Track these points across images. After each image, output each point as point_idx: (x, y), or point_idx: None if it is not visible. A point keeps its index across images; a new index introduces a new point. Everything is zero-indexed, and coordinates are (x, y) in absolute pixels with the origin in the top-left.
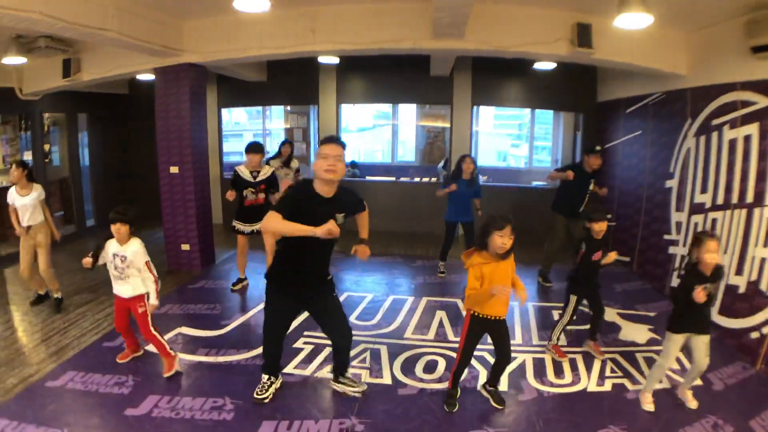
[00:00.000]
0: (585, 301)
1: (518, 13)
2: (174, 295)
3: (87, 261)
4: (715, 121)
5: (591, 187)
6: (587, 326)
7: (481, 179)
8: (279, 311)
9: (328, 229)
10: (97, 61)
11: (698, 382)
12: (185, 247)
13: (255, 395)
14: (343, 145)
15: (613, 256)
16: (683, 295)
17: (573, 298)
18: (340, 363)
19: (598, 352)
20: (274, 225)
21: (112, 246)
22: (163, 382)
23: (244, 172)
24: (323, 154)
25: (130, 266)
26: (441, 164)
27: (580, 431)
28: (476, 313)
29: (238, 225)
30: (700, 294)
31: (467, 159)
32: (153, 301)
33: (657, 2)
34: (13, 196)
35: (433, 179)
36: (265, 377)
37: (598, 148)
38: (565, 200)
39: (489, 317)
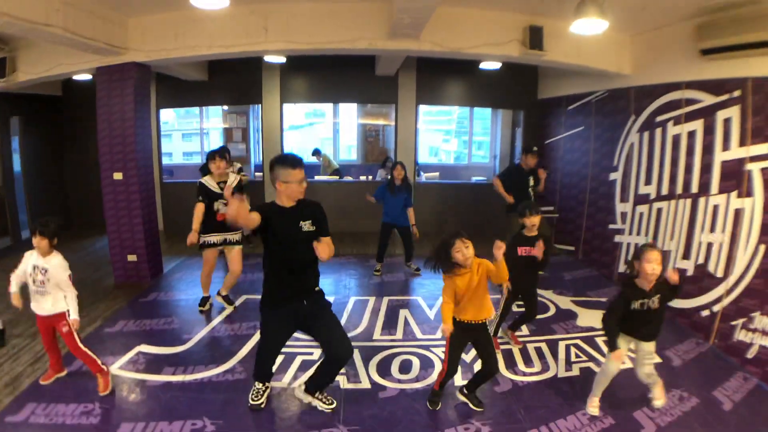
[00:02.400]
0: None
1: (472, 15)
2: (127, 310)
3: (15, 298)
4: (659, 118)
5: (531, 182)
6: (538, 315)
7: (424, 176)
8: (276, 332)
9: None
10: (34, 59)
11: (657, 359)
12: (132, 257)
13: (251, 401)
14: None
15: (540, 247)
16: (615, 311)
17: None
18: (329, 379)
19: (515, 341)
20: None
21: (32, 258)
22: (133, 408)
23: (211, 183)
24: (292, 179)
25: (50, 280)
26: (381, 163)
27: (559, 416)
28: (456, 319)
29: (209, 238)
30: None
31: (398, 166)
32: (74, 316)
33: (610, 7)
34: None
35: (369, 177)
36: (259, 384)
37: (535, 148)
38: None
39: (469, 322)
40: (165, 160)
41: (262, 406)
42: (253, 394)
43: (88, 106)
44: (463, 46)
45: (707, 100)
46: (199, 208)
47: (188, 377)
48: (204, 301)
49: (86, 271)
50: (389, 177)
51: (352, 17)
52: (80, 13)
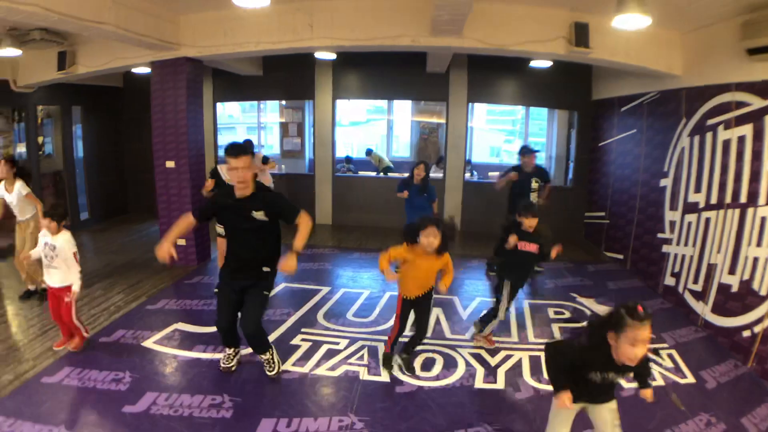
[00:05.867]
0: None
1: (516, 11)
2: (170, 290)
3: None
4: (710, 121)
5: (533, 185)
6: (576, 324)
7: (476, 175)
8: (222, 297)
9: (289, 264)
10: (92, 53)
11: (691, 379)
12: (181, 242)
13: (222, 364)
14: (247, 152)
15: (514, 241)
16: (561, 363)
17: (506, 285)
18: (252, 345)
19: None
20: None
21: (44, 237)
22: (160, 379)
23: (226, 175)
24: (229, 167)
25: (58, 255)
26: (435, 161)
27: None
28: (405, 297)
29: (219, 229)
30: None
31: (420, 165)
32: (75, 288)
33: (654, 3)
34: (2, 192)
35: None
36: (229, 350)
37: (532, 148)
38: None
39: (414, 298)
40: None
41: (233, 369)
42: (224, 357)
43: (147, 97)
44: (507, 43)
45: (756, 103)
46: (209, 182)
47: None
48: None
49: (137, 252)
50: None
51: (395, 14)
52: (131, 11)
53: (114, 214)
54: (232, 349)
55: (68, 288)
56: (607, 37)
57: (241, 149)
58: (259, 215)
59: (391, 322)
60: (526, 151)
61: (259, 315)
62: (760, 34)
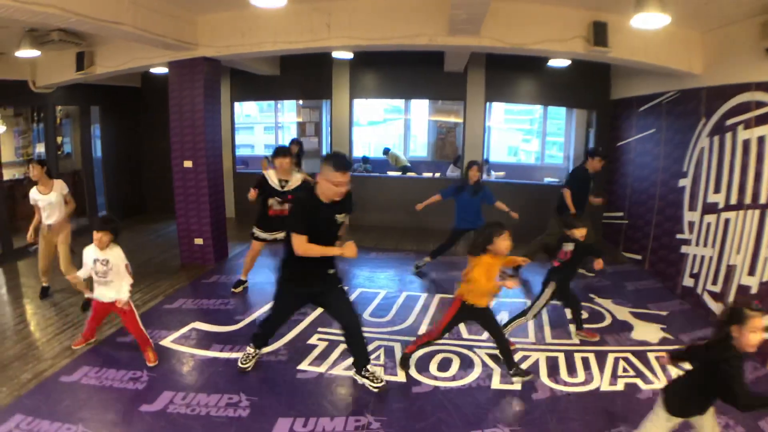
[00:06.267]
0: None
1: (534, 10)
2: (187, 289)
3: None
4: (730, 121)
5: (591, 186)
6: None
7: (494, 175)
8: (288, 304)
9: (351, 250)
10: (110, 54)
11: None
12: (198, 241)
13: (239, 364)
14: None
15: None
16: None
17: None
18: (356, 355)
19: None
20: (305, 250)
21: (90, 253)
22: (177, 378)
23: (272, 179)
24: (336, 182)
25: (112, 270)
26: (453, 161)
27: (592, 429)
28: (466, 302)
29: (258, 232)
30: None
31: (474, 167)
32: (122, 296)
33: (673, 1)
34: (36, 196)
35: (437, 174)
36: (251, 349)
37: (600, 149)
38: (579, 202)
39: (477, 306)
40: (246, 152)
41: (248, 370)
42: (243, 356)
43: (164, 97)
44: (525, 42)
45: None
46: (253, 192)
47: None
48: (239, 283)
49: (155, 251)
50: (463, 179)
51: (412, 13)
52: (149, 12)
53: (132, 213)
54: (256, 350)
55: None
56: (626, 36)
57: (348, 163)
58: (341, 218)
59: (408, 323)
60: (597, 154)
61: (354, 306)
62: None
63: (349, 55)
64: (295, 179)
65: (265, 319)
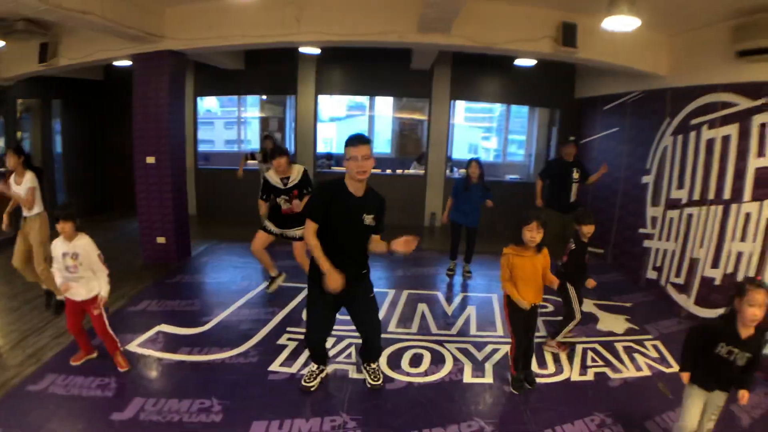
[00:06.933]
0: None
1: (504, 10)
2: (151, 290)
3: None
4: (694, 121)
5: (575, 175)
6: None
7: (457, 172)
8: (320, 309)
9: (334, 284)
10: (74, 45)
11: (676, 368)
12: (161, 240)
13: (303, 382)
14: (368, 142)
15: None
16: (697, 338)
17: (571, 289)
18: (366, 353)
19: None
20: (309, 239)
21: (58, 246)
22: (147, 384)
23: (273, 179)
24: (351, 155)
25: (82, 264)
26: (417, 158)
27: (566, 419)
28: (519, 308)
29: (269, 225)
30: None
31: (472, 163)
32: (103, 293)
33: (644, 5)
34: (12, 185)
35: (407, 171)
36: (314, 366)
37: (572, 138)
38: (553, 195)
39: (526, 307)
40: (207, 147)
41: (313, 389)
42: (306, 374)
43: (128, 91)
44: (495, 42)
45: (743, 103)
46: (262, 205)
47: (203, 358)
48: (272, 280)
49: (117, 251)
50: (465, 175)
51: (383, 10)
52: (117, 2)
53: (94, 211)
54: (319, 366)
55: (95, 299)
56: (595, 37)
57: (360, 137)
58: (368, 219)
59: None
60: (567, 141)
61: (379, 319)
62: (752, 36)
63: (317, 51)
64: (296, 172)
65: (306, 330)
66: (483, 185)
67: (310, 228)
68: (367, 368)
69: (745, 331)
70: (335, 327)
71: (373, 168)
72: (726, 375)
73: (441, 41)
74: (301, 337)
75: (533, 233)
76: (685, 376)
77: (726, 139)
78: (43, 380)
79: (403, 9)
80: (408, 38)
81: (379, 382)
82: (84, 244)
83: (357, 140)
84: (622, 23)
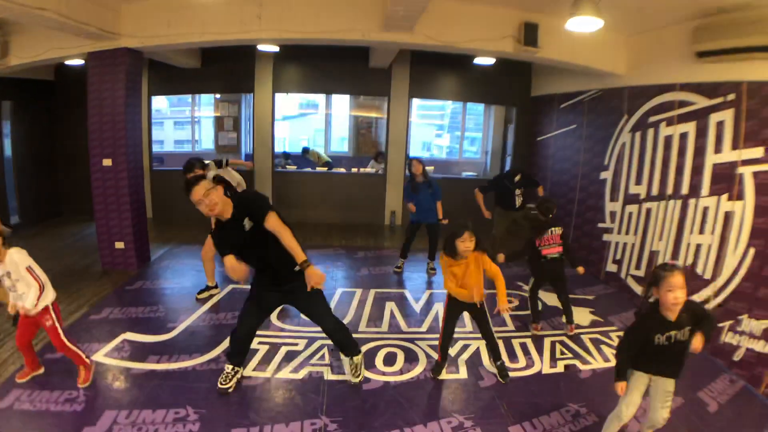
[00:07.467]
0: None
1: (468, 10)
2: (113, 297)
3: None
4: (652, 119)
5: (516, 178)
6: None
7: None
8: (251, 305)
9: (233, 274)
10: (27, 44)
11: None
12: (119, 245)
13: (219, 385)
14: (198, 181)
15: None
16: (629, 344)
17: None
18: (336, 343)
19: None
20: (228, 268)
21: None
22: (116, 395)
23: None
24: (193, 201)
25: (19, 280)
26: (374, 156)
27: (542, 412)
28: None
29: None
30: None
31: (414, 162)
32: (28, 305)
33: (606, 6)
34: None
35: (364, 169)
36: (229, 367)
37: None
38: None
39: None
40: (156, 148)
41: (230, 390)
42: (222, 376)
43: (81, 91)
44: (458, 41)
45: (701, 102)
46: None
47: (172, 366)
48: (206, 289)
49: (74, 257)
50: (409, 176)
51: (346, 8)
52: None
53: (48, 217)
54: (232, 367)
55: (45, 311)
56: (555, 37)
57: (192, 181)
58: (249, 224)
59: (347, 319)
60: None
61: (328, 308)
62: (711, 37)
63: (275, 48)
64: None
65: (236, 330)
66: (428, 182)
67: (227, 260)
68: (350, 363)
69: (673, 314)
70: (308, 330)
71: (334, 168)
72: (678, 358)
73: (404, 40)
74: (274, 340)
75: (466, 243)
76: (621, 386)
77: (684, 136)
78: (8, 397)
79: (365, 7)
80: (371, 36)
81: (359, 379)
82: (11, 261)
83: (187, 187)
84: (585, 24)
